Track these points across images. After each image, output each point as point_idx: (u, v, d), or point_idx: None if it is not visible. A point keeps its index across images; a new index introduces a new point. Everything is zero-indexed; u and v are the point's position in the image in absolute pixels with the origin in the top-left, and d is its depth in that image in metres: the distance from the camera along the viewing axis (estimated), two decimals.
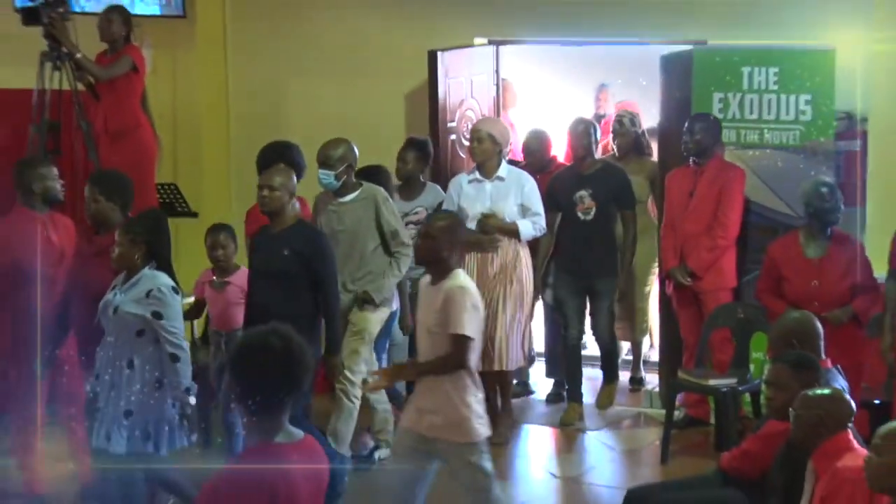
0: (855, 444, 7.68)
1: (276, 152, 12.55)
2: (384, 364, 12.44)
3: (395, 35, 16.01)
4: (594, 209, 12.34)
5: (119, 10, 13.85)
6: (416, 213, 12.75)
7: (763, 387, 9.45)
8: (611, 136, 14.00)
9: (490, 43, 15.92)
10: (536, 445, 13.78)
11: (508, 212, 12.03)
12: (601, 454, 13.38)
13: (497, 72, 16.05)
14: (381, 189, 11.62)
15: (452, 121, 15.57)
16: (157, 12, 16.02)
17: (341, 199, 11.42)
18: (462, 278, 8.83)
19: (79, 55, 13.28)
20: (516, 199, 12.16)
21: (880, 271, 11.79)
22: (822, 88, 12.70)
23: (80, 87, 13.45)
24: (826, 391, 7.95)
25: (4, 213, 11.60)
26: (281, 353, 5.91)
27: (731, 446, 10.22)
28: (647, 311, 14.06)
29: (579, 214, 12.39)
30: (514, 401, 13.93)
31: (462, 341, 8.48)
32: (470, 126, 14.82)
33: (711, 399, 12.63)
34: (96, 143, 13.41)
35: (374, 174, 12.55)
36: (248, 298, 11.37)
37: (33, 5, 13.37)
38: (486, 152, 12.16)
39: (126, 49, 13.58)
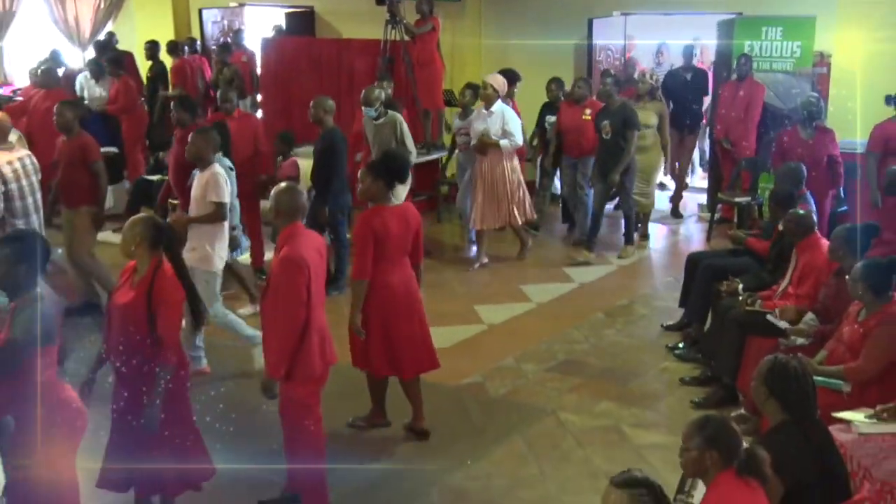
0: (822, 240, 8.13)
1: (510, 73, 13.28)
2: None
3: (570, 8, 15.78)
4: (612, 132, 11.87)
5: None
6: (465, 126, 12.56)
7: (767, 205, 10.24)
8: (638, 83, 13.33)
9: (621, 14, 15.75)
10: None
11: (494, 131, 11.76)
12: (669, 237, 13.91)
13: (625, 32, 15.97)
14: (399, 115, 11.52)
15: (600, 61, 15.68)
16: None
17: (376, 122, 11.35)
18: (218, 168, 8.68)
19: (405, 21, 14.04)
20: (500, 124, 11.78)
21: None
22: (806, 38, 13.47)
23: (406, 38, 14.13)
24: (802, 212, 8.36)
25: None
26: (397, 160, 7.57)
27: (745, 233, 10.52)
28: (652, 194, 13.39)
29: (603, 135, 11.93)
30: None
31: (220, 206, 8.47)
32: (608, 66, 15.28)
33: (736, 208, 13.21)
34: (413, 69, 14.14)
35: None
36: None
37: None
38: (489, 96, 11.98)
39: (430, 18, 14.25)
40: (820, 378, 6.42)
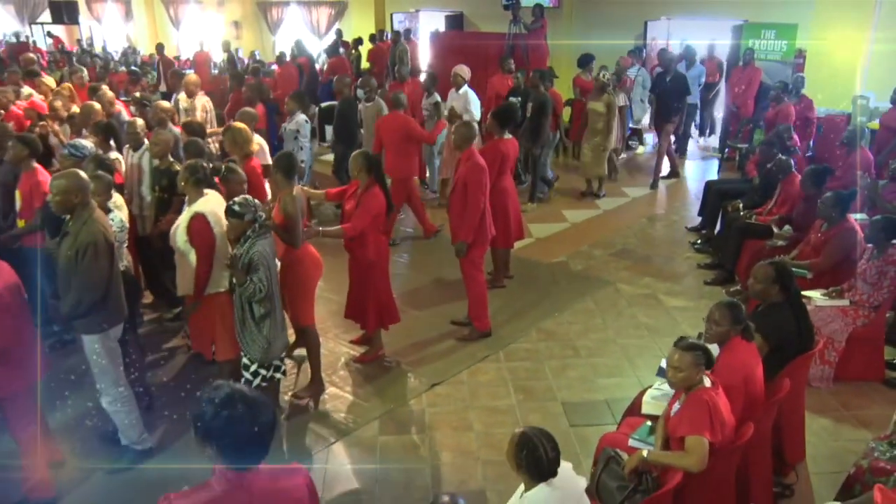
0: (797, 176, 7.92)
1: (586, 56, 12.60)
2: None
3: (633, 13, 15.05)
4: (532, 113, 10.26)
5: (538, 5, 13.69)
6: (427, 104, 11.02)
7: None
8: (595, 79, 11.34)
9: (667, 18, 15.06)
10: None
11: (459, 108, 10.09)
12: (692, 170, 12.93)
13: (668, 30, 15.21)
14: (382, 101, 10.00)
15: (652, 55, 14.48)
16: (550, 5, 15.52)
17: (366, 104, 10.04)
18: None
19: (522, 20, 13.49)
20: (462, 103, 10.30)
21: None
22: (790, 38, 12.83)
23: (523, 31, 13.55)
24: (784, 157, 8.19)
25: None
26: (509, 111, 7.59)
27: (746, 166, 10.29)
28: (603, 165, 11.11)
29: (527, 114, 10.44)
30: None
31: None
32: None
33: (738, 151, 12.32)
34: (527, 52, 13.41)
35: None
36: None
37: (508, 4, 13.68)
38: (458, 82, 10.55)
39: (540, 18, 13.50)
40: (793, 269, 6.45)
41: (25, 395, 4.70)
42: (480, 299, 6.90)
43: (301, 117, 9.36)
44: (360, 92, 10.15)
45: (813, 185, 7.42)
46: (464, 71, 10.97)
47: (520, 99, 11.29)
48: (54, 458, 5.17)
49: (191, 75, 10.32)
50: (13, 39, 21.90)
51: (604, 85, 10.75)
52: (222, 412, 2.45)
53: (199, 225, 5.26)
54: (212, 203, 5.41)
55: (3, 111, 9.31)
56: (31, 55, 15.01)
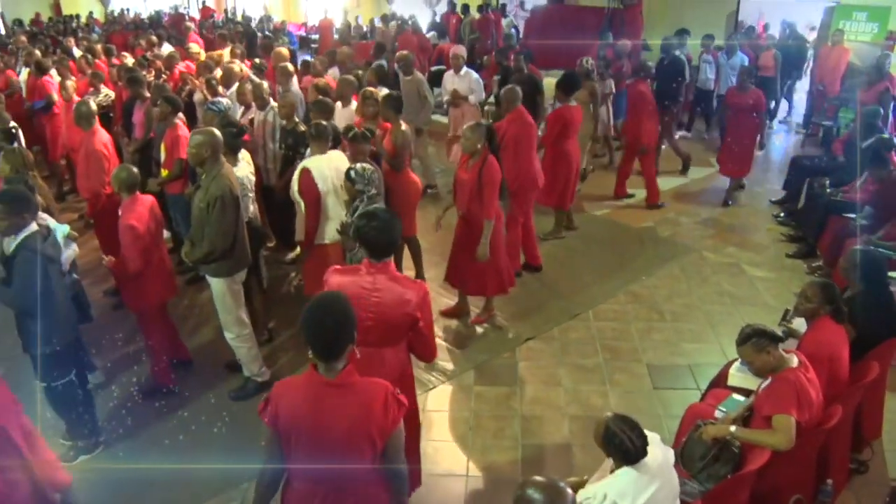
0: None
1: (682, 30, 11.57)
2: None
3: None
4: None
5: None
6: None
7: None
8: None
9: None
10: None
11: (463, 89, 8.95)
12: (781, 145, 11.74)
13: (759, 9, 14.18)
14: (421, 76, 8.99)
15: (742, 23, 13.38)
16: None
17: (404, 78, 8.75)
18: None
19: None
20: (467, 84, 8.96)
21: None
22: (882, 20, 11.67)
23: (620, 6, 12.84)
24: (886, 136, 7.48)
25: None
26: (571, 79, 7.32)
27: (832, 144, 9.24)
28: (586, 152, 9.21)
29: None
30: None
31: None
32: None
33: (822, 128, 11.05)
34: (623, 24, 12.58)
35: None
36: None
37: None
38: (458, 64, 9.00)
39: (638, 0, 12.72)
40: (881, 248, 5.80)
41: (155, 312, 5.08)
42: (514, 244, 6.72)
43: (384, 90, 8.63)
44: (398, 69, 9.09)
45: (881, 166, 6.80)
46: (462, 51, 9.77)
47: (500, 77, 10.34)
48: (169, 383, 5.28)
49: (280, 48, 10.01)
50: (173, 11, 23.51)
51: (587, 72, 9.04)
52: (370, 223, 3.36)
53: (305, 179, 5.13)
54: (323, 160, 5.21)
55: (167, 72, 9.49)
56: (189, 23, 15.37)
